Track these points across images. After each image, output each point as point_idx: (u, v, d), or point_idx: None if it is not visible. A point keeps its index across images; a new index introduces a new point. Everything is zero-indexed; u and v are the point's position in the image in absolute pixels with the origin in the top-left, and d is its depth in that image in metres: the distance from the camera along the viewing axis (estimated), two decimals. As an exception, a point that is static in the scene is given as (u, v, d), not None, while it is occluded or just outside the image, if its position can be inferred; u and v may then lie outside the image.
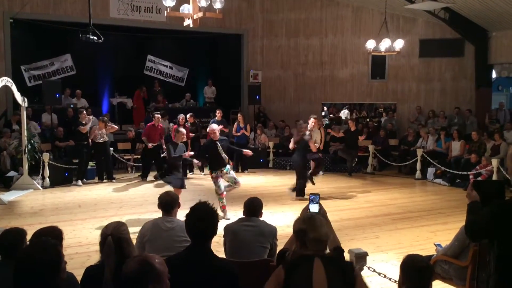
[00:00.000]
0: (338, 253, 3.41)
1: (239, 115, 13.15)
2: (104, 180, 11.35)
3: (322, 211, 3.58)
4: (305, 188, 9.35)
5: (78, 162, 11.09)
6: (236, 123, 12.99)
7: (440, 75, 14.82)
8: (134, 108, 14.94)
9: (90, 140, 11.17)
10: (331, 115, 15.61)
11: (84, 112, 11.35)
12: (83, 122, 11.01)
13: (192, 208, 3.10)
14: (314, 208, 3.57)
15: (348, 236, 6.80)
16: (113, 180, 11.37)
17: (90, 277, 2.95)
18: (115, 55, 15.86)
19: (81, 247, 6.40)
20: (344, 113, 15.45)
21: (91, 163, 11.49)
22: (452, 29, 14.08)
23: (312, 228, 2.86)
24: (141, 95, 14.98)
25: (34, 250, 2.45)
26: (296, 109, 15.65)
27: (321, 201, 3.58)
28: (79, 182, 10.92)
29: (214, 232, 3.05)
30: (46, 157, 10.60)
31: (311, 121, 9.78)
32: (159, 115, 11.60)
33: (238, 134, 12.74)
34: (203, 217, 3.01)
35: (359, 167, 13.02)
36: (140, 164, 12.23)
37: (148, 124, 11.62)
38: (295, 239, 3.09)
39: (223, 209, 7.67)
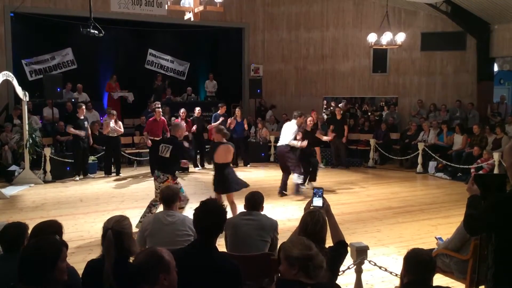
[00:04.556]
0: (341, 247, 3.42)
1: (237, 109, 12.68)
2: (112, 174, 11.33)
3: (326, 205, 3.58)
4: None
5: (73, 156, 10.97)
6: (233, 118, 12.41)
7: (441, 68, 14.76)
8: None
9: (104, 134, 11.15)
10: (331, 108, 15.51)
11: (83, 106, 11.19)
12: (81, 117, 10.93)
13: (202, 203, 3.12)
14: (317, 202, 3.57)
15: (349, 230, 6.80)
16: (120, 174, 11.35)
17: (91, 270, 2.96)
18: (116, 49, 15.83)
19: (83, 241, 6.41)
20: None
21: (92, 158, 11.49)
22: (454, 22, 14.01)
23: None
24: (113, 86, 14.62)
25: (33, 248, 2.51)
26: (297, 103, 15.60)
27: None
28: (76, 177, 10.85)
29: (220, 229, 3.07)
30: (47, 151, 10.61)
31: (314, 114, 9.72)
32: (160, 109, 11.53)
33: (232, 126, 12.01)
34: (212, 213, 3.03)
35: (360, 160, 13.03)
36: (144, 159, 12.34)
37: (150, 119, 11.43)
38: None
39: None
